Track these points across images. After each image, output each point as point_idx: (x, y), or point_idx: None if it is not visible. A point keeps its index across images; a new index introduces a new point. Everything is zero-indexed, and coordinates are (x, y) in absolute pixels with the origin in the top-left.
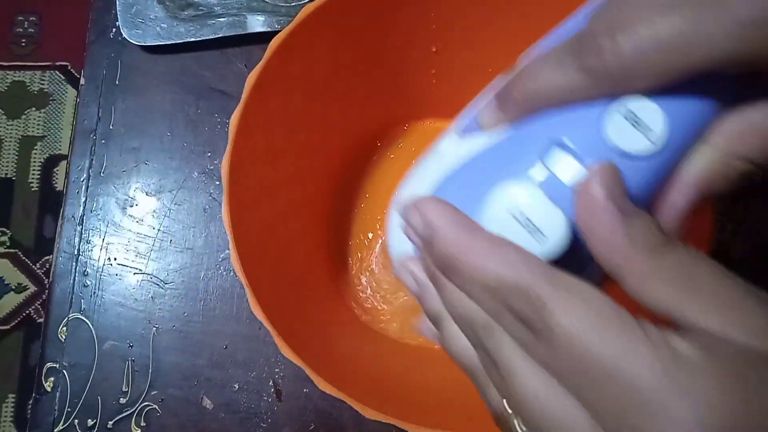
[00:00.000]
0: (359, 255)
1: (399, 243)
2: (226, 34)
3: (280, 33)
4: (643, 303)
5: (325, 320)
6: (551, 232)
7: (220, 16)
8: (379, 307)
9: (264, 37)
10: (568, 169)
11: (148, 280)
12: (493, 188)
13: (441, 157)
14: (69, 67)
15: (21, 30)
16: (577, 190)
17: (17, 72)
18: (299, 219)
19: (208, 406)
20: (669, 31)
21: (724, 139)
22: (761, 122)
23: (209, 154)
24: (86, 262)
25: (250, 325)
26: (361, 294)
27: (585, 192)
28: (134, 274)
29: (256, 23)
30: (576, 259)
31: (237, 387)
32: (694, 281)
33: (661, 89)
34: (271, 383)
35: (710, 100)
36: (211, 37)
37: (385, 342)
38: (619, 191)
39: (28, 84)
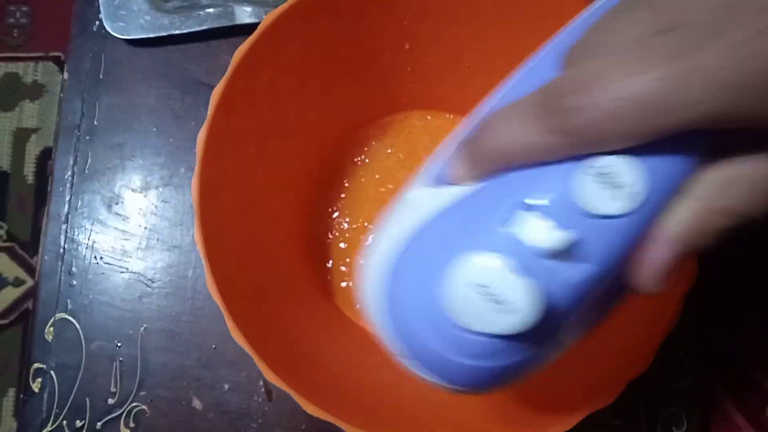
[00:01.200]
0: (343, 259)
1: (372, 290)
2: (212, 26)
3: (243, 44)
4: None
5: (312, 335)
6: (520, 305)
7: (206, 7)
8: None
9: (252, 29)
10: (537, 233)
11: (136, 279)
12: (452, 260)
13: (411, 210)
14: (62, 58)
15: (13, 20)
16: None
17: (10, 63)
18: (278, 232)
19: (197, 407)
20: (640, 91)
21: (707, 192)
22: (745, 173)
23: (195, 150)
24: (72, 261)
25: None
26: (348, 299)
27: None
28: (121, 273)
29: (244, 14)
30: (543, 323)
31: (227, 387)
32: None
33: (636, 147)
34: (261, 383)
35: (690, 154)
36: (196, 29)
37: (378, 351)
38: None
39: (21, 75)
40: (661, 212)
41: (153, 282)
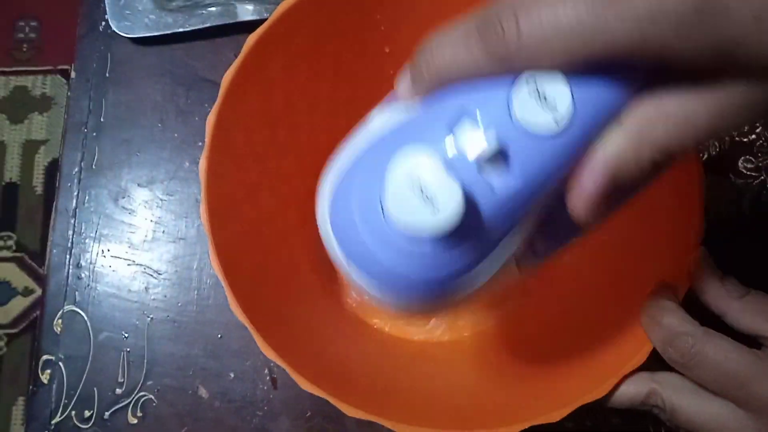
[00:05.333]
0: None
1: (325, 217)
2: (215, 24)
3: (230, 68)
4: (739, 329)
5: (312, 318)
6: (445, 205)
7: (209, 5)
8: (366, 302)
9: (254, 26)
10: (472, 143)
11: (142, 271)
12: (395, 157)
13: (365, 129)
14: (70, 71)
15: (22, 35)
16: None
17: (19, 77)
18: (285, 217)
19: (203, 395)
20: (570, 17)
21: (635, 124)
22: (675, 108)
23: (200, 144)
24: (80, 254)
25: None
26: (348, 290)
27: (699, 269)
28: (128, 265)
29: (246, 12)
30: (472, 232)
31: (232, 376)
32: (766, 313)
33: (568, 71)
34: (266, 372)
35: (622, 85)
36: (199, 27)
37: (374, 338)
38: (714, 265)
39: (30, 89)
40: (592, 138)
41: (159, 273)
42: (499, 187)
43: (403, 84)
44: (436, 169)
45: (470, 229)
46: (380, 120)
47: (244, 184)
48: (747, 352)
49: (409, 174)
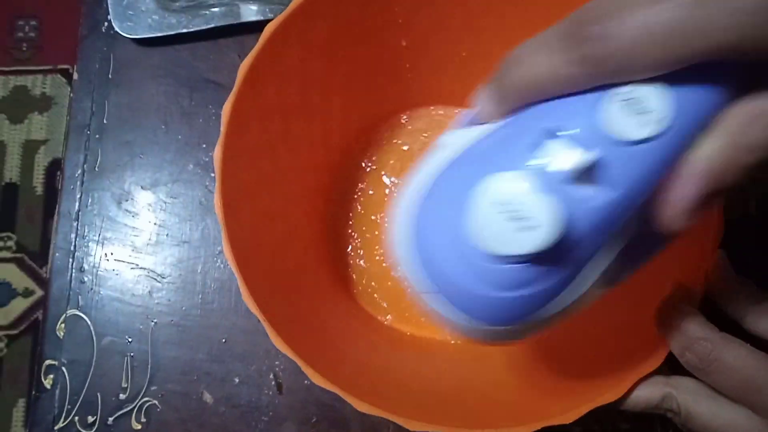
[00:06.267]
0: (359, 248)
1: (403, 243)
2: (219, 24)
3: (246, 57)
4: (757, 334)
5: (323, 313)
6: (542, 222)
7: (212, 6)
8: (377, 299)
9: (257, 26)
10: (564, 156)
11: (145, 275)
12: (479, 181)
13: (440, 151)
14: (70, 70)
15: (22, 34)
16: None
17: (19, 77)
18: (297, 211)
19: (208, 401)
20: (667, 17)
21: (733, 127)
22: None
23: (204, 146)
24: (83, 258)
25: (248, 317)
26: (359, 287)
27: (716, 273)
28: (131, 268)
29: (249, 12)
30: (566, 248)
31: (237, 381)
32: None
33: (663, 74)
34: (271, 376)
35: (719, 86)
36: (203, 27)
37: (384, 335)
38: (732, 269)
39: (30, 88)
40: (687, 144)
41: (163, 277)
42: (595, 199)
43: (484, 102)
44: (527, 187)
45: (564, 246)
46: (456, 140)
47: (258, 175)
48: (765, 359)
49: (498, 195)
